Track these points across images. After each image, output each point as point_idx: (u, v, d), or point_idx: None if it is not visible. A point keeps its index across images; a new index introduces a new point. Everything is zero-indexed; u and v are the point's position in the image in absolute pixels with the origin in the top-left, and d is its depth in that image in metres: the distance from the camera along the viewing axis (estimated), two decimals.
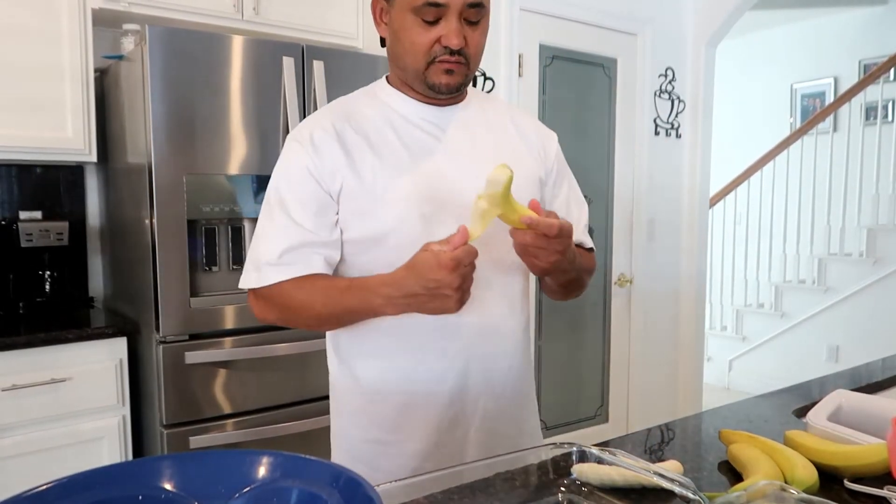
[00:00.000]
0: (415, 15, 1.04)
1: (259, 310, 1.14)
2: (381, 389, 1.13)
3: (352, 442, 1.18)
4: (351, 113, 1.14)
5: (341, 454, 1.20)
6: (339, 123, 1.12)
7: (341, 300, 1.05)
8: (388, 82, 1.17)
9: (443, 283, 0.92)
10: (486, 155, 1.14)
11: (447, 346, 1.11)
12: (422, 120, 1.14)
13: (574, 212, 1.26)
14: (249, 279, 1.11)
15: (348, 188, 1.08)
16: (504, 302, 1.16)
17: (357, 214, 1.09)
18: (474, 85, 1.34)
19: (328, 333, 1.21)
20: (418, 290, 0.95)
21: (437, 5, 1.03)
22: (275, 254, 1.08)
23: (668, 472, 0.80)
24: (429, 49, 1.06)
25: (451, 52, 1.05)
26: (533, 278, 1.22)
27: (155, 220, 1.97)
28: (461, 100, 1.18)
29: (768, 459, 0.90)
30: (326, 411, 2.24)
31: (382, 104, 1.15)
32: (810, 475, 0.87)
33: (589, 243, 1.27)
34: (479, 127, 1.18)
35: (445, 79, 1.08)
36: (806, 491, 0.83)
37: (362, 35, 2.76)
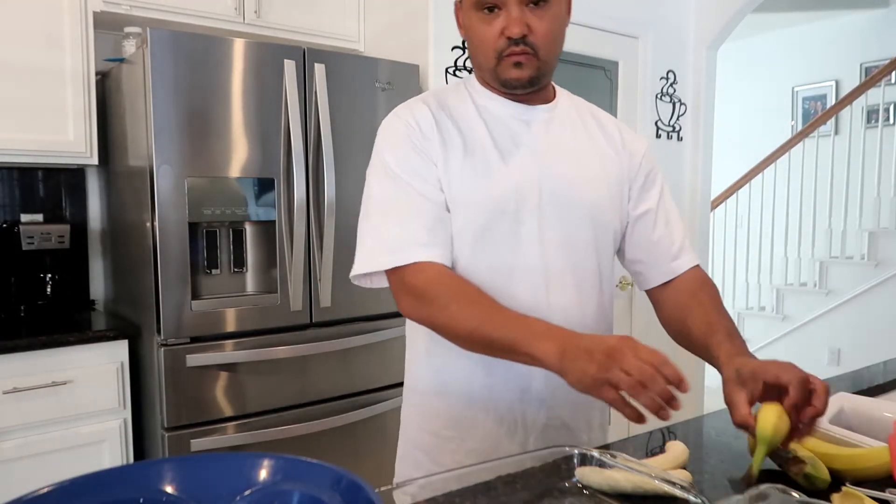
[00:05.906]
0: (476, 10, 1.05)
1: (409, 305, 1.05)
2: (445, 384, 1.13)
3: (415, 430, 1.19)
4: (445, 104, 1.13)
5: (405, 441, 1.21)
6: (437, 112, 1.11)
7: (504, 327, 0.95)
8: (478, 80, 1.17)
9: (603, 352, 0.86)
10: (573, 154, 1.14)
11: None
12: (510, 118, 1.13)
13: (675, 228, 1.19)
14: (381, 262, 1.04)
15: (442, 179, 1.08)
16: (577, 311, 1.12)
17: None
18: None
19: (408, 321, 1.17)
20: (590, 346, 0.87)
21: None
22: (417, 232, 1.03)
23: (669, 476, 0.80)
24: (495, 43, 1.05)
25: (516, 43, 1.03)
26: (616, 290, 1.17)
27: (156, 223, 1.97)
28: (550, 99, 1.18)
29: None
30: (328, 414, 2.25)
31: (473, 100, 1.15)
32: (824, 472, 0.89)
33: (692, 262, 1.19)
34: (566, 127, 1.16)
35: (515, 73, 1.06)
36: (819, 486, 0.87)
37: (363, 37, 2.76)
